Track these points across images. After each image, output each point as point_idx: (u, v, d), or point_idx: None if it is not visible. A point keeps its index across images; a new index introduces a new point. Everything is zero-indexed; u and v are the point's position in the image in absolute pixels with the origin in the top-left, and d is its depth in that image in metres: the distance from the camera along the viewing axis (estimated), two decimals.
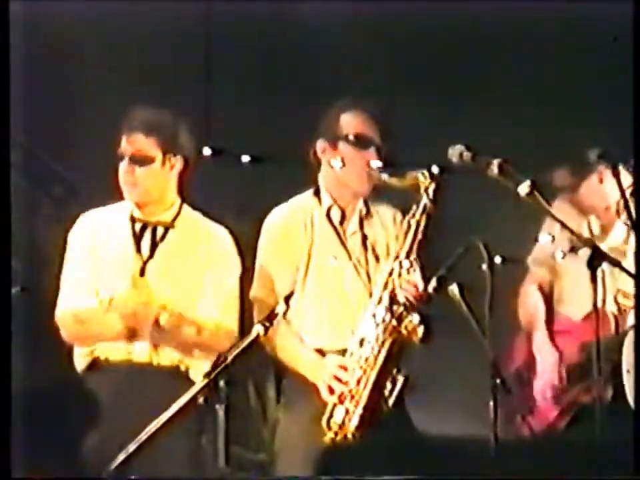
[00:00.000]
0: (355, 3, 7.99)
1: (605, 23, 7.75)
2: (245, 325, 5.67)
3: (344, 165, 5.66)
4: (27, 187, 7.19)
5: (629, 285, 5.95)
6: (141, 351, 5.62)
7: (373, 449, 3.70)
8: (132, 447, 4.86)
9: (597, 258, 5.34)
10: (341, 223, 5.70)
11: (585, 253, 5.52)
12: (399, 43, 8.12)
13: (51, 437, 4.53)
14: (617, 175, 5.87)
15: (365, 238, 5.70)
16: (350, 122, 5.69)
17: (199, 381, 5.00)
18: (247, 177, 6.38)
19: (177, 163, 5.70)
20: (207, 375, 4.96)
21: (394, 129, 5.87)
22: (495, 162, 5.22)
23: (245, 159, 6.74)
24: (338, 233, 5.69)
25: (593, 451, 4.01)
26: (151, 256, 5.68)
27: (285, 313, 5.15)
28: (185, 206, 5.82)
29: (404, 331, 5.32)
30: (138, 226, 5.71)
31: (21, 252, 6.22)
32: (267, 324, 5.01)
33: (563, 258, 6.09)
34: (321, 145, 5.71)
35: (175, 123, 5.77)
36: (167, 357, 5.59)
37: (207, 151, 6.86)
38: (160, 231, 5.72)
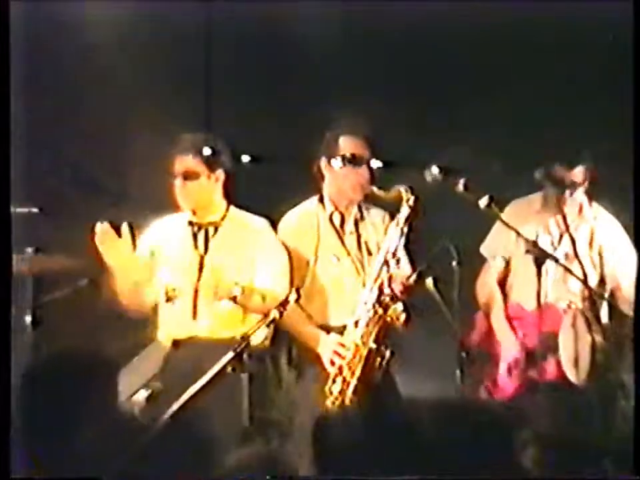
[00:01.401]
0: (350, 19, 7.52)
1: (605, 23, 7.27)
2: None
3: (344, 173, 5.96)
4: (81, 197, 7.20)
5: (575, 285, 6.18)
6: (205, 328, 5.90)
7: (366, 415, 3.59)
8: (175, 407, 5.02)
9: (541, 257, 5.80)
10: (341, 225, 6.07)
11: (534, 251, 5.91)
12: (393, 55, 7.66)
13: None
14: (558, 198, 6.29)
15: (359, 237, 6.06)
16: (347, 144, 6.03)
17: (228, 355, 5.22)
18: (246, 176, 6.32)
19: (220, 175, 5.96)
20: (234, 349, 5.25)
21: (384, 150, 6.16)
22: (461, 180, 5.75)
23: (245, 158, 6.96)
24: (338, 233, 6.07)
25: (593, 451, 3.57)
26: (206, 250, 5.95)
27: (296, 300, 5.45)
28: (232, 207, 6.04)
29: (389, 318, 5.72)
30: (195, 228, 5.97)
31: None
32: (282, 309, 5.38)
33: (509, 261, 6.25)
34: (323, 161, 6.05)
35: (216, 143, 6.03)
36: (228, 329, 5.85)
37: (207, 151, 7.04)
38: (211, 230, 6.00)
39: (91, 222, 5.92)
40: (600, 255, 6.31)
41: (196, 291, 5.91)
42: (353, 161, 5.97)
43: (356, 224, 6.08)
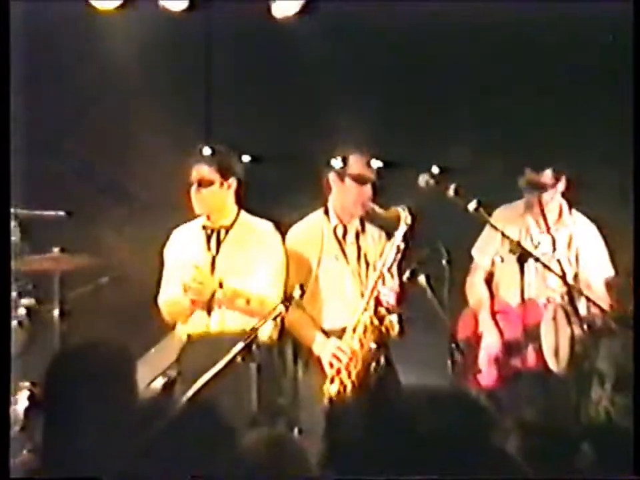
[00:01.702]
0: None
1: (605, 23, 6.86)
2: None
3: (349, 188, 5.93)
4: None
5: (553, 282, 6.16)
6: (215, 323, 5.85)
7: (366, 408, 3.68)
8: (190, 392, 5.08)
9: (524, 256, 5.75)
10: (343, 236, 6.03)
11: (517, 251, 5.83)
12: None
13: None
14: (539, 202, 6.24)
15: (359, 248, 6.02)
16: (354, 162, 5.99)
17: (238, 346, 5.25)
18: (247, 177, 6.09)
19: (232, 183, 5.92)
20: (244, 340, 5.29)
21: (388, 170, 6.10)
22: (452, 186, 5.72)
23: (245, 158, 6.86)
24: (340, 244, 6.03)
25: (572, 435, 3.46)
26: (217, 252, 5.90)
27: (300, 296, 5.47)
28: (242, 212, 6.00)
29: (384, 328, 5.75)
30: (208, 231, 5.92)
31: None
32: (287, 304, 5.42)
33: (502, 261, 6.10)
34: (332, 177, 6.02)
35: (229, 154, 6.04)
36: (236, 324, 5.79)
37: (207, 151, 6.99)
38: (222, 233, 5.94)
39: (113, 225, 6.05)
40: (576, 256, 6.28)
41: (207, 288, 5.81)
42: (358, 179, 5.94)
43: (357, 236, 6.05)
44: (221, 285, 5.81)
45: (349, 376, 5.75)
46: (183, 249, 6.01)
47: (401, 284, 5.83)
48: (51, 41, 7.11)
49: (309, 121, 7.23)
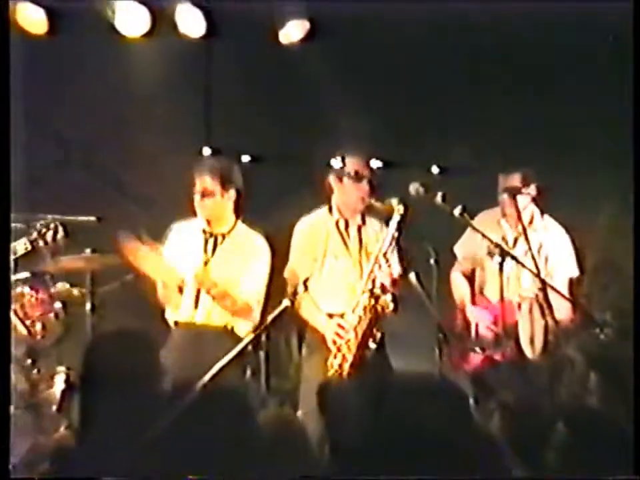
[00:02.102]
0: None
1: (605, 23, 6.46)
2: (269, 303, 5.72)
3: (351, 183, 5.86)
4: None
5: (526, 282, 6.11)
6: (200, 316, 5.79)
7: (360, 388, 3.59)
8: (206, 378, 4.85)
9: (503, 255, 5.74)
10: (345, 229, 5.98)
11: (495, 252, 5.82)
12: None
13: None
14: (515, 204, 6.10)
15: (360, 240, 5.96)
16: (351, 163, 5.92)
17: (249, 335, 5.29)
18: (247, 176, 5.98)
19: (232, 194, 5.85)
20: (254, 331, 5.37)
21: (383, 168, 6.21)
22: (439, 193, 5.66)
23: (245, 158, 7.09)
24: (343, 237, 5.97)
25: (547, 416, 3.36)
26: (213, 254, 5.84)
27: (304, 291, 5.40)
28: (239, 222, 5.92)
29: (380, 307, 5.69)
30: (207, 235, 5.87)
31: None
32: (292, 299, 5.31)
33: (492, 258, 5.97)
34: (332, 178, 5.96)
35: (230, 166, 5.95)
36: (219, 320, 5.75)
37: (206, 151, 7.17)
38: (220, 239, 5.88)
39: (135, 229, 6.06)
40: (546, 257, 6.23)
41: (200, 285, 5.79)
42: (355, 177, 5.89)
43: (358, 229, 6.00)
44: (215, 285, 5.75)
45: (350, 351, 5.72)
46: (182, 244, 5.95)
47: (399, 268, 5.83)
48: (82, 63, 7.08)
49: (310, 124, 7.15)
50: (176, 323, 5.85)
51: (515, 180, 6.21)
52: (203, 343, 5.54)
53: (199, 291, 5.77)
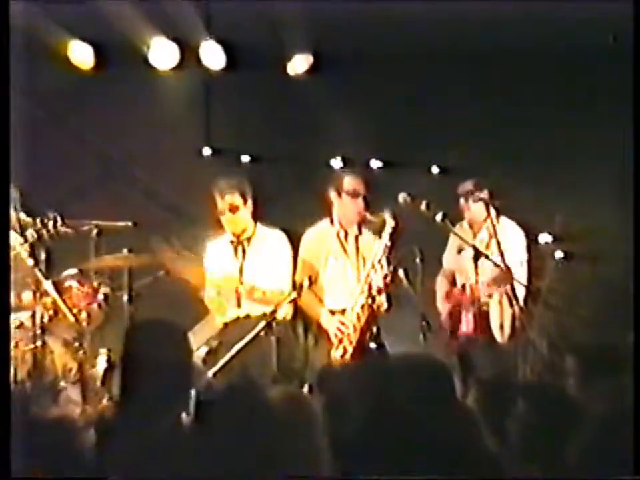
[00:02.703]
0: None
1: (605, 23, 5.79)
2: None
3: (348, 196, 5.85)
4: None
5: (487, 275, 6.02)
6: (243, 312, 5.87)
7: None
8: (221, 362, 5.30)
9: (478, 255, 5.75)
10: (345, 238, 5.98)
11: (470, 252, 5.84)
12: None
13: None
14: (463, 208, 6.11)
15: (357, 247, 5.96)
16: (349, 181, 5.94)
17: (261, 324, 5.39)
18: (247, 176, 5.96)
19: (250, 204, 5.92)
20: (266, 319, 5.41)
21: (376, 186, 6.04)
22: (424, 202, 5.61)
23: (245, 159, 7.04)
24: (342, 245, 5.98)
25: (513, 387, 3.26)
26: (244, 259, 5.93)
27: (309, 286, 5.56)
28: (259, 225, 5.98)
29: (376, 306, 5.75)
30: (235, 244, 5.93)
31: None
32: (300, 291, 5.54)
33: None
34: (332, 194, 5.96)
35: (243, 182, 5.95)
36: (259, 311, 5.74)
37: (207, 151, 7.11)
38: (246, 244, 5.94)
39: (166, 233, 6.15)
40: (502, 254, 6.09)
41: (237, 288, 5.87)
42: (352, 193, 5.89)
43: (356, 238, 5.98)
44: (241, 283, 5.83)
45: (350, 343, 5.74)
46: (216, 259, 6.02)
47: (391, 273, 5.80)
48: (121, 91, 7.04)
49: (313, 139, 7.08)
50: (225, 325, 5.89)
51: (468, 185, 6.14)
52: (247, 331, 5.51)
53: (238, 293, 5.83)
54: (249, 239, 6.01)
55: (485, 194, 6.07)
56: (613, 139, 6.10)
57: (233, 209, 5.92)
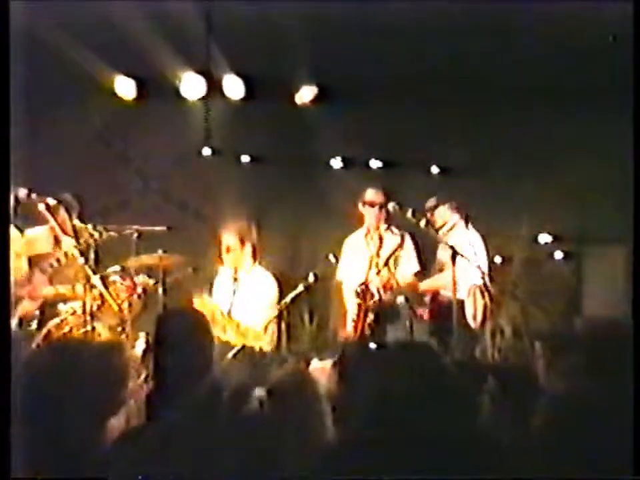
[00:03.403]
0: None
1: (605, 23, 5.11)
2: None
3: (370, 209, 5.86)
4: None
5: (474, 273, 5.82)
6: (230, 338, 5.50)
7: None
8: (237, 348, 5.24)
9: (455, 254, 5.58)
10: (371, 240, 5.95)
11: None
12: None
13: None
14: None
15: (379, 247, 5.92)
16: (370, 194, 5.95)
17: (275, 311, 5.39)
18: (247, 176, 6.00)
19: (248, 249, 5.83)
20: (278, 309, 5.40)
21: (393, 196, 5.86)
22: (410, 209, 5.56)
23: (245, 159, 6.94)
24: (367, 244, 5.96)
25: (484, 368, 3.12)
26: (234, 293, 5.76)
27: (314, 282, 5.51)
28: (257, 265, 5.85)
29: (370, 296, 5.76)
30: (232, 280, 5.78)
31: None
32: (307, 286, 5.50)
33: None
34: (360, 206, 5.96)
35: (248, 226, 5.92)
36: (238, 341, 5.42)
37: (207, 151, 7.02)
38: (241, 280, 5.80)
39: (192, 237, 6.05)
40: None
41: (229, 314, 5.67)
42: (371, 204, 5.91)
43: (380, 239, 5.93)
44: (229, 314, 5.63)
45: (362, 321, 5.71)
46: (218, 292, 5.94)
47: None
48: (156, 117, 6.99)
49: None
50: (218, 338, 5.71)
51: (432, 202, 5.99)
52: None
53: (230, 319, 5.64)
54: (244, 276, 5.86)
55: (448, 207, 5.95)
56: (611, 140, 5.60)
57: (229, 250, 5.82)
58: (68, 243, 5.64)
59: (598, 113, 5.85)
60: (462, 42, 5.74)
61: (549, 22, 5.44)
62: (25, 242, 5.72)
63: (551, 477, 2.39)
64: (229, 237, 5.84)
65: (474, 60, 5.96)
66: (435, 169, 6.67)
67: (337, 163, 6.84)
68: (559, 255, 6.54)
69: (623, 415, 2.44)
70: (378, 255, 5.88)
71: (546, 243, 6.60)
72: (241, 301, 5.76)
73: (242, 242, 5.84)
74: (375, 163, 6.61)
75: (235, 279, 5.84)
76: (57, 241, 5.75)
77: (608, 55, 5.23)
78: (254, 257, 5.92)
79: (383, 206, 5.86)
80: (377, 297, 5.73)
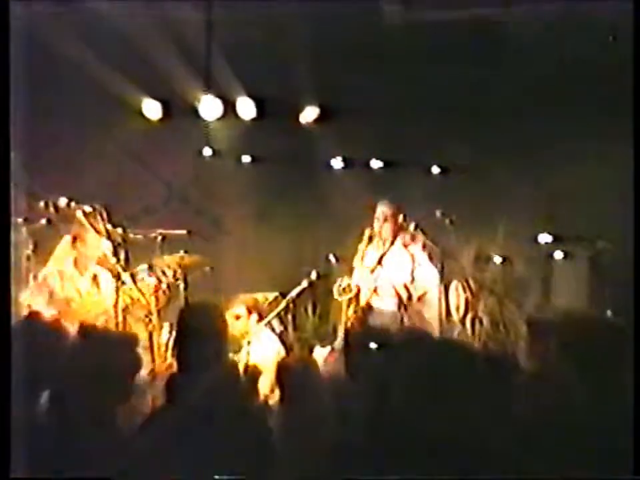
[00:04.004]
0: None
1: (605, 23, 4.69)
2: None
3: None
4: None
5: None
6: None
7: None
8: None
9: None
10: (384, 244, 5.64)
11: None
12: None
13: None
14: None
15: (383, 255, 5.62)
16: (382, 209, 5.59)
17: (282, 305, 5.31)
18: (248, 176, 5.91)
19: (255, 315, 5.50)
20: (286, 301, 5.33)
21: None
22: (400, 215, 5.45)
23: (246, 159, 6.84)
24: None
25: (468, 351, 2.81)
26: (240, 351, 5.37)
27: (317, 278, 5.46)
28: (264, 329, 5.46)
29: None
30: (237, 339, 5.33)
31: None
32: (311, 282, 5.47)
33: None
34: (375, 223, 5.59)
35: (255, 299, 5.66)
36: None
37: (207, 151, 6.99)
38: (246, 342, 5.39)
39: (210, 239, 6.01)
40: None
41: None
42: (385, 220, 5.61)
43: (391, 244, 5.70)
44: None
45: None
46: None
47: None
48: (179, 136, 6.93)
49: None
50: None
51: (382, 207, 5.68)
52: None
53: None
54: (249, 341, 5.49)
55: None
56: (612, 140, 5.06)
57: (236, 317, 5.57)
58: (101, 244, 5.65)
59: (597, 113, 5.23)
60: (458, 40, 5.28)
61: (549, 22, 5.01)
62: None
63: (550, 477, 2.23)
64: (238, 308, 5.58)
65: (470, 60, 5.41)
66: (435, 169, 6.35)
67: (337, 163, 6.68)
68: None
69: (592, 390, 2.43)
70: (380, 262, 5.64)
71: (548, 243, 6.31)
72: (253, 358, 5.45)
73: (249, 311, 5.59)
74: (375, 163, 6.40)
75: (248, 342, 5.47)
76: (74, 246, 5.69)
77: (608, 55, 4.81)
78: (259, 321, 5.61)
79: (395, 217, 5.55)
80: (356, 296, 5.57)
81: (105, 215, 5.66)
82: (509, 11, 5.00)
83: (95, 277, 5.66)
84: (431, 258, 5.55)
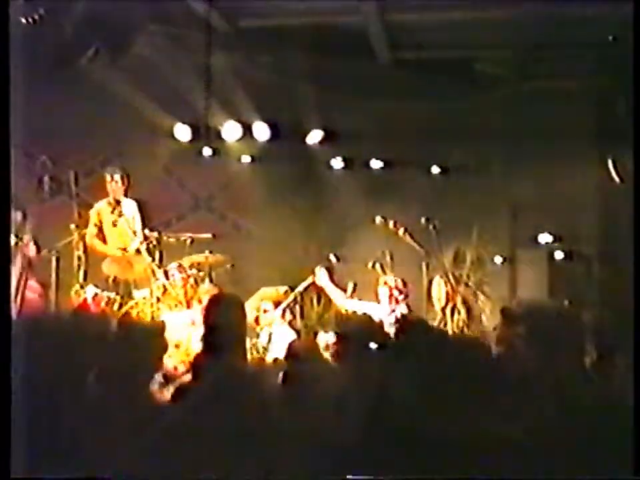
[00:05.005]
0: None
1: (605, 23, 4.07)
2: None
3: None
4: None
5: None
6: None
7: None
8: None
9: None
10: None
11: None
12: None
13: None
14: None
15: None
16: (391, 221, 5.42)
17: (291, 297, 5.22)
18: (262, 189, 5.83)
19: (280, 309, 5.33)
20: (294, 294, 5.27)
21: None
22: (391, 221, 5.41)
23: (246, 159, 6.68)
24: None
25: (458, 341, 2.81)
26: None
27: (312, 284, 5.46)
28: (283, 321, 5.33)
29: None
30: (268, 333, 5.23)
31: None
32: (313, 277, 5.42)
33: None
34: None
35: (277, 291, 5.47)
36: None
37: (207, 151, 6.82)
38: None
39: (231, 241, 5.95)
40: None
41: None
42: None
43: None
44: None
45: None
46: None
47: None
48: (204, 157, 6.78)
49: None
50: None
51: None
52: None
53: None
54: (275, 329, 5.24)
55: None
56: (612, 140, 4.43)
57: (265, 311, 5.36)
58: (138, 245, 5.67)
59: (597, 113, 4.59)
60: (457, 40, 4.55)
61: (549, 22, 4.34)
62: None
63: (550, 476, 1.98)
64: (265, 303, 5.39)
65: (470, 60, 4.78)
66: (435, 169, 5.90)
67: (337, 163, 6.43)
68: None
69: (553, 371, 2.38)
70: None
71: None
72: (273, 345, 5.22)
73: (275, 305, 5.40)
74: (376, 163, 6.10)
75: (270, 333, 5.28)
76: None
77: (608, 55, 4.19)
78: (283, 316, 5.44)
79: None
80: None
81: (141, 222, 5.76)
82: (509, 10, 4.09)
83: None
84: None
